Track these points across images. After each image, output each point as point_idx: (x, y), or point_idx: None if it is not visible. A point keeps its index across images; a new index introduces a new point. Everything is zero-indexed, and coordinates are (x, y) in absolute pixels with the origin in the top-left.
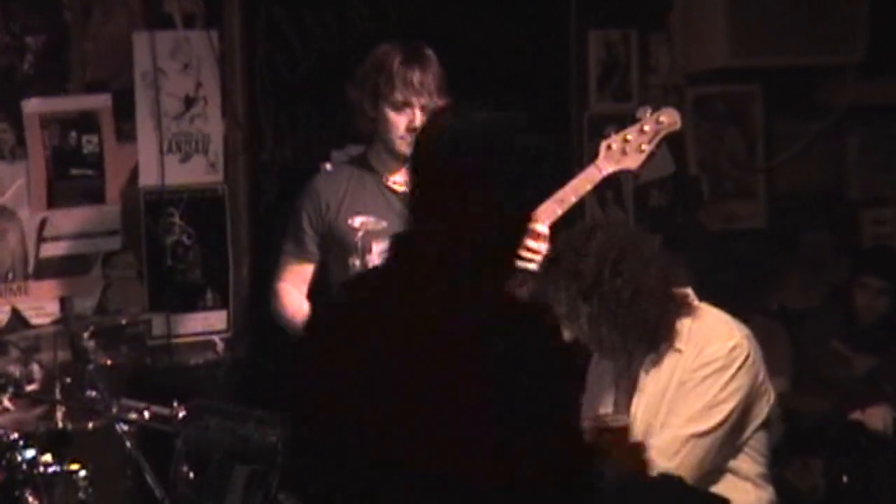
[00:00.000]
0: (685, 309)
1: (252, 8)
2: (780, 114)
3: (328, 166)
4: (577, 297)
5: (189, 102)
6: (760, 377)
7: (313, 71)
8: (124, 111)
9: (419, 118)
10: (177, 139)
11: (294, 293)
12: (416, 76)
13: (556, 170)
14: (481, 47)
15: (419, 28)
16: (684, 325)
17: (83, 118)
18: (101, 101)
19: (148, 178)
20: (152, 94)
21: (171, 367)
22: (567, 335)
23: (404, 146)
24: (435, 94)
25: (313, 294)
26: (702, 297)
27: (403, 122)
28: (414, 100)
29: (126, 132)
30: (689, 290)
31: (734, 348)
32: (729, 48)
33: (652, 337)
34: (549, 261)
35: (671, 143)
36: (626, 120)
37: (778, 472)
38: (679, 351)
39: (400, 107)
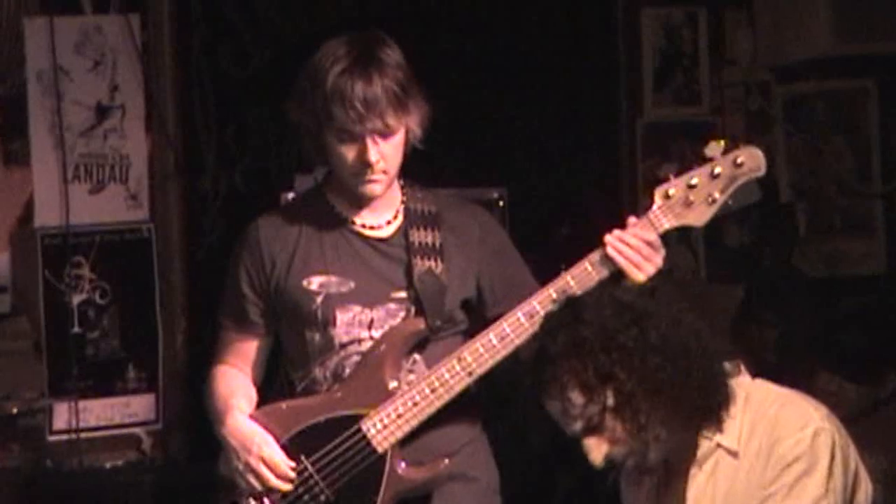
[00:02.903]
0: (736, 378)
1: None
2: None
3: (291, 197)
4: (596, 382)
5: (102, 113)
6: (853, 463)
7: (269, 67)
8: (13, 125)
9: (373, 149)
10: (85, 162)
11: (227, 376)
12: (357, 93)
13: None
14: (503, 35)
15: (415, 10)
16: (735, 411)
17: None
18: None
19: (47, 216)
20: (51, 101)
21: (80, 471)
22: (595, 455)
23: (362, 186)
24: (390, 113)
25: (265, 377)
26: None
27: (353, 156)
28: (358, 128)
29: (16, 153)
30: (739, 363)
31: (816, 435)
32: (832, 31)
33: (703, 412)
34: (538, 355)
35: None
36: (694, 131)
37: None
38: (733, 454)
39: (344, 137)
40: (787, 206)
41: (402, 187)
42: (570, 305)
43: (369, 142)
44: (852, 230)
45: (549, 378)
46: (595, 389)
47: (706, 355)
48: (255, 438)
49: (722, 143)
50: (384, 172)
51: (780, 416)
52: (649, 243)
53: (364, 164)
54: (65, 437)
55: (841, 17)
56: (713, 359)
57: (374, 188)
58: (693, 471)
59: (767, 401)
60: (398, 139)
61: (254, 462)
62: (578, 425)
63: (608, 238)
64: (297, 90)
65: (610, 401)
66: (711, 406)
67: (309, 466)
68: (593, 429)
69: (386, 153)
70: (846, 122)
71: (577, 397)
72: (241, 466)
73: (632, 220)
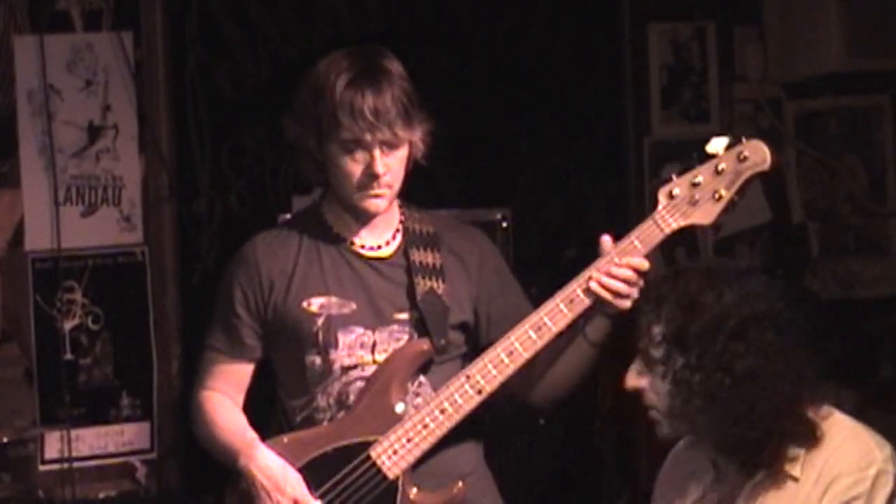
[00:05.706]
0: (811, 433)
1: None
2: None
3: (288, 218)
4: (675, 339)
5: (94, 133)
6: None
7: (265, 86)
8: (3, 146)
9: (380, 160)
10: (77, 184)
11: (225, 404)
12: (367, 103)
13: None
14: (505, 49)
15: (415, 26)
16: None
17: None
18: None
19: (37, 240)
20: (42, 121)
21: (73, 501)
22: (631, 381)
23: (366, 200)
24: (399, 124)
25: (254, 403)
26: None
27: (359, 168)
28: (368, 137)
29: (5, 175)
30: (825, 407)
31: (877, 478)
32: (844, 46)
33: (751, 456)
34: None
35: (766, 180)
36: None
37: None
38: (793, 479)
39: (351, 147)
40: (799, 226)
41: (400, 207)
42: (711, 273)
43: (377, 152)
44: (866, 251)
45: (648, 298)
46: (672, 347)
47: (789, 407)
48: (288, 478)
49: (725, 139)
50: (388, 186)
51: (844, 451)
52: (635, 269)
53: (370, 177)
54: (57, 466)
55: (853, 31)
56: (792, 415)
57: (378, 203)
58: (748, 489)
59: (833, 430)
60: (403, 153)
61: (286, 503)
62: (642, 346)
63: (595, 274)
64: (297, 105)
65: (677, 366)
66: (757, 459)
67: (319, 499)
68: (649, 364)
69: (391, 166)
70: (860, 140)
71: (657, 335)
72: None
73: (605, 238)
